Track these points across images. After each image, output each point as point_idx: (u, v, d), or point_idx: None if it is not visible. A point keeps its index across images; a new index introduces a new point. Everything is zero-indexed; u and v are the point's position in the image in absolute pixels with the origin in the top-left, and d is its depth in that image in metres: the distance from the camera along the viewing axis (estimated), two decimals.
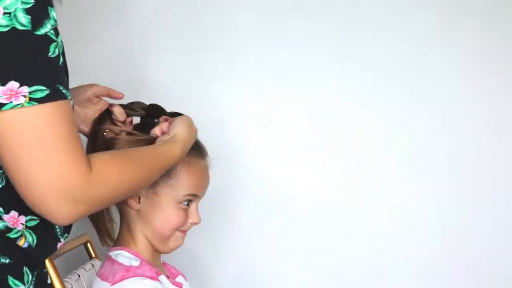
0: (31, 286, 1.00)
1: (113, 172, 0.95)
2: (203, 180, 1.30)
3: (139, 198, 1.25)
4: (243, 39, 1.84)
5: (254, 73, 1.85)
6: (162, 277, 1.24)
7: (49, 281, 1.08)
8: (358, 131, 1.84)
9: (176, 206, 1.25)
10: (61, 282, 1.13)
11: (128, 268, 1.19)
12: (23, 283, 0.99)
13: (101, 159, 0.95)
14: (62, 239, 1.08)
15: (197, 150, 1.28)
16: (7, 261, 0.97)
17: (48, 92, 0.86)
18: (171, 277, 1.34)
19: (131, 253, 1.24)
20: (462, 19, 1.81)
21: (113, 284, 1.17)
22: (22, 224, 0.99)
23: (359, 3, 1.82)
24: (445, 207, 1.83)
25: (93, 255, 1.51)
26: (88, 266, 1.40)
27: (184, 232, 1.30)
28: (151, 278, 1.18)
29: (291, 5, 1.83)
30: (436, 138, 1.82)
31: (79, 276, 1.30)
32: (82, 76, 1.68)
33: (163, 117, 1.28)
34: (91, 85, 1.32)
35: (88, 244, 1.52)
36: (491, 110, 1.82)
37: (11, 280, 0.97)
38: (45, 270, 1.07)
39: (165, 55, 1.85)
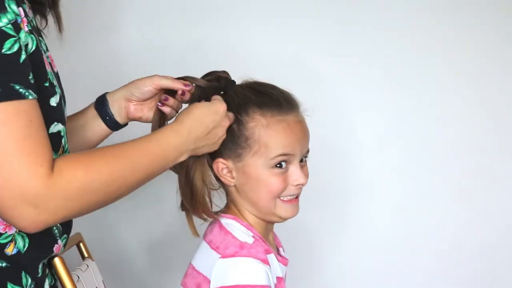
0: None
1: (78, 170, 0.88)
2: (292, 136, 1.16)
3: (231, 172, 1.16)
4: (245, 38, 1.85)
5: (254, 72, 1.84)
6: (272, 256, 1.16)
7: (46, 286, 1.04)
8: (357, 130, 1.85)
9: (269, 172, 1.14)
10: (72, 281, 1.10)
11: (242, 245, 1.11)
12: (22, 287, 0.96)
13: (64, 158, 0.89)
14: (59, 241, 1.04)
15: (278, 106, 1.16)
16: (4, 264, 0.95)
17: None
18: (278, 245, 1.28)
19: (244, 226, 1.16)
20: (462, 19, 1.82)
21: (223, 257, 1.11)
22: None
23: (361, 3, 1.82)
24: (446, 205, 1.85)
25: (86, 255, 1.47)
26: (83, 266, 1.37)
27: (293, 201, 1.18)
28: (263, 261, 1.10)
29: (291, 6, 1.83)
30: (436, 138, 1.84)
31: (79, 277, 1.27)
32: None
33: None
34: (151, 78, 1.21)
35: (81, 244, 1.47)
36: (491, 109, 1.83)
37: (10, 286, 0.95)
38: (39, 275, 1.02)
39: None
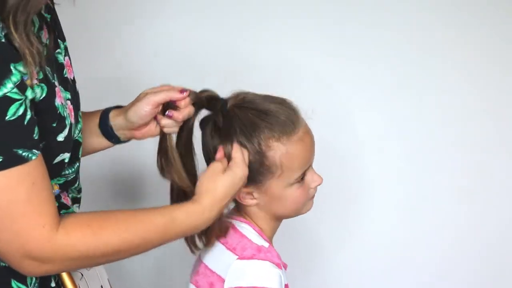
0: None
1: (86, 236, 0.91)
2: (308, 152, 1.18)
3: (252, 194, 1.17)
4: (245, 39, 1.84)
5: (255, 73, 1.84)
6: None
7: (53, 284, 1.05)
8: (357, 130, 1.85)
9: (292, 189, 1.16)
10: (73, 282, 1.11)
11: (260, 248, 1.14)
12: (27, 286, 0.98)
13: (73, 219, 0.92)
14: None
15: (289, 127, 1.15)
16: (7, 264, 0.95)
17: (1, 160, 0.84)
18: None
19: (256, 231, 1.18)
20: (462, 19, 1.82)
21: (241, 258, 1.13)
22: None
23: (361, 3, 1.82)
24: (446, 205, 1.85)
25: None
26: None
27: (312, 197, 1.22)
28: (277, 265, 1.13)
29: (291, 6, 1.83)
30: (436, 138, 1.84)
31: (82, 275, 1.28)
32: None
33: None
34: (145, 100, 1.14)
35: None
36: (491, 109, 1.83)
37: (14, 283, 0.96)
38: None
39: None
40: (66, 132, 0.97)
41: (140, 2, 1.85)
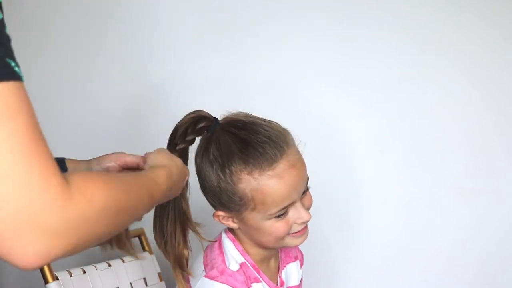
0: None
1: (99, 187, 0.67)
2: (287, 188, 1.08)
3: (233, 218, 1.14)
4: (245, 39, 1.86)
5: (255, 73, 1.86)
6: (259, 285, 1.16)
7: None
8: (357, 130, 1.85)
9: (271, 222, 1.10)
10: (52, 275, 1.15)
11: (224, 271, 1.12)
12: None
13: (77, 174, 0.67)
14: None
15: (266, 162, 1.07)
16: None
17: None
18: (283, 262, 1.26)
19: (239, 251, 1.16)
20: (462, 18, 1.82)
21: (206, 277, 1.13)
22: None
23: (361, 3, 1.83)
24: (447, 206, 1.84)
25: (146, 249, 1.51)
26: (103, 265, 1.33)
27: (302, 231, 1.14)
28: None
29: (290, 5, 1.85)
30: (437, 138, 1.83)
31: (85, 272, 1.27)
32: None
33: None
34: (116, 154, 1.12)
35: (142, 238, 1.51)
36: (493, 109, 1.82)
37: None
38: None
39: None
40: None
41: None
